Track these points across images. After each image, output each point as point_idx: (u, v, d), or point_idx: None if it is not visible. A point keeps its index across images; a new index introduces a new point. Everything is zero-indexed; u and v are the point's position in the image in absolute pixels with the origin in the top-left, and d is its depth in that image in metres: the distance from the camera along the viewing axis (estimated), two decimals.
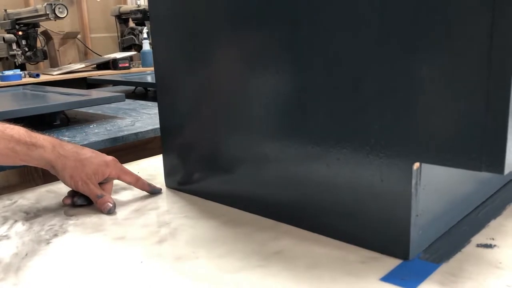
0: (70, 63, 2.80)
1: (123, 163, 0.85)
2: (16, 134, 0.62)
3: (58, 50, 2.87)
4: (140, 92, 1.84)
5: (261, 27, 0.52)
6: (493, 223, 0.53)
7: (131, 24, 3.11)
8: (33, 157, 0.63)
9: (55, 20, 2.45)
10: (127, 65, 2.70)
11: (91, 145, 0.95)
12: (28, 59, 2.60)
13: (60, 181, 0.65)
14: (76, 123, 1.20)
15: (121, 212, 0.61)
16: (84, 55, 3.13)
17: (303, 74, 0.49)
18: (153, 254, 0.49)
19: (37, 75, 2.41)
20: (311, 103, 0.49)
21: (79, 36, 3.03)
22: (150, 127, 1.09)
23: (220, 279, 0.44)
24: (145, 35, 2.79)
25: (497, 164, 0.38)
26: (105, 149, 1.00)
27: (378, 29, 0.43)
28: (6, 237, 0.55)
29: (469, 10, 0.37)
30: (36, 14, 2.44)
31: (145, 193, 0.68)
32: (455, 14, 0.38)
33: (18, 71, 2.40)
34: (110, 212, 0.61)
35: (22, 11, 2.55)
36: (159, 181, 0.72)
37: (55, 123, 1.17)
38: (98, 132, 1.06)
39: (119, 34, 3.15)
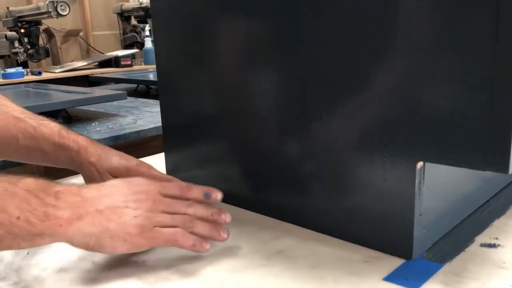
0: (72, 61, 2.80)
1: None
2: (48, 133, 0.55)
3: (60, 48, 2.87)
4: (142, 90, 1.84)
5: (263, 24, 0.52)
6: (497, 223, 0.52)
7: (133, 21, 3.11)
8: (61, 160, 0.56)
9: (57, 18, 2.45)
10: (129, 63, 2.70)
11: None
12: (30, 56, 2.60)
13: (62, 179, 0.64)
14: (78, 121, 1.20)
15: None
16: (86, 52, 3.13)
17: (305, 71, 0.49)
18: (155, 253, 0.49)
19: (39, 73, 2.41)
20: (313, 100, 0.49)
21: (81, 33, 3.03)
22: (152, 125, 1.09)
23: (222, 278, 0.44)
24: (147, 33, 2.79)
25: (501, 163, 0.38)
26: None
27: (381, 26, 0.42)
28: None
29: (472, 5, 0.37)
30: (38, 11, 2.44)
31: None
32: (459, 12, 0.38)
33: (20, 69, 2.40)
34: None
35: (24, 8, 2.55)
36: None
37: (57, 121, 1.17)
38: (100, 130, 1.06)
39: (121, 31, 3.15)
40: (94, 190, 0.45)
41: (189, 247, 0.46)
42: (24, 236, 0.39)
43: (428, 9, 0.39)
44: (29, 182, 0.41)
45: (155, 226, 0.45)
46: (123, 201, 0.45)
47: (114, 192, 0.46)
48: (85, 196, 0.44)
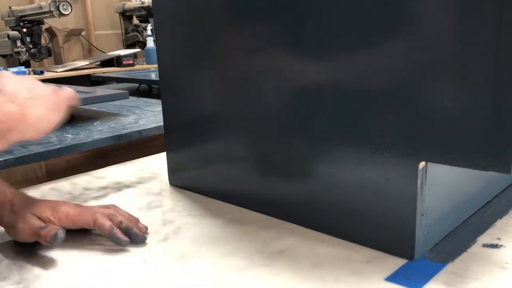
0: (74, 60, 2.80)
1: (127, 160, 0.85)
2: None
3: (62, 47, 2.87)
4: (144, 89, 1.83)
5: (265, 24, 0.52)
6: (499, 223, 0.52)
7: (135, 21, 3.11)
8: None
9: (59, 17, 2.45)
10: (131, 62, 2.70)
11: (94, 143, 0.95)
12: (32, 56, 2.60)
13: (64, 178, 0.63)
14: (80, 120, 1.20)
15: (125, 211, 0.61)
16: (88, 52, 3.14)
17: (307, 72, 0.49)
18: (157, 253, 0.49)
19: (41, 72, 2.41)
20: (315, 101, 0.49)
21: (83, 33, 3.03)
22: (154, 125, 1.09)
23: (223, 278, 0.44)
24: (149, 32, 2.79)
25: (504, 164, 0.38)
26: (108, 147, 1.00)
27: (383, 26, 0.42)
28: None
29: (475, 5, 0.37)
30: (40, 11, 2.45)
31: (149, 191, 0.68)
32: (461, 8, 0.38)
33: (22, 68, 2.41)
34: (57, 237, 0.48)
35: (26, 8, 2.56)
36: (163, 178, 0.72)
37: None
38: (101, 130, 1.06)
39: (123, 31, 3.15)
40: None
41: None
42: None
43: (432, 9, 0.39)
44: None
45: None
46: None
47: None
48: None
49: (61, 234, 0.48)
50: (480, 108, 0.38)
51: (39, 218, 0.51)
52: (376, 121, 0.45)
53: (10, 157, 0.80)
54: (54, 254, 0.50)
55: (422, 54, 0.40)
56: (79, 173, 0.77)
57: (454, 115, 0.39)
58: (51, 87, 0.49)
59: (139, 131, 1.06)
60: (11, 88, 0.44)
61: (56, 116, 0.48)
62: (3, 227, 0.52)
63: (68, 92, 0.51)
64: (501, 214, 0.55)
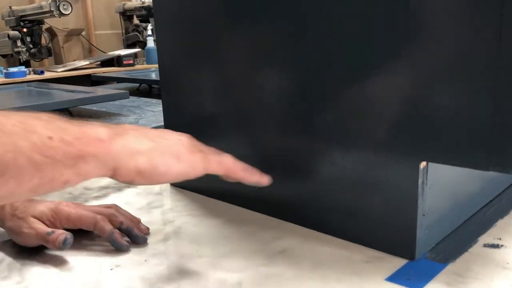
0: (74, 60, 2.80)
1: None
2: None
3: (62, 47, 2.87)
4: (145, 89, 1.84)
5: (267, 23, 0.52)
6: (500, 223, 0.52)
7: (136, 21, 3.11)
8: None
9: (59, 17, 2.45)
10: (131, 62, 2.71)
11: None
12: (32, 56, 2.61)
13: None
14: (80, 120, 1.20)
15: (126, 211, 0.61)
16: (89, 52, 3.14)
17: (309, 71, 0.49)
18: (157, 253, 0.49)
19: (42, 72, 2.41)
20: (316, 100, 0.49)
21: (83, 33, 3.03)
22: (154, 125, 1.09)
23: (224, 278, 0.44)
24: (149, 32, 2.79)
25: (505, 163, 0.38)
26: None
27: (384, 25, 0.42)
28: None
29: (476, 6, 0.37)
30: (40, 11, 2.45)
31: (149, 191, 0.68)
32: (462, 9, 0.38)
33: (22, 68, 2.41)
34: (66, 243, 0.47)
35: (26, 8, 2.56)
36: None
37: None
38: None
39: (123, 31, 3.16)
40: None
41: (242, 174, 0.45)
42: (64, 161, 0.32)
43: (434, 10, 0.39)
44: (50, 114, 0.35)
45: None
46: (160, 131, 0.41)
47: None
48: (117, 125, 0.39)
49: (70, 239, 0.48)
50: (481, 108, 0.38)
51: (40, 221, 0.50)
52: (378, 121, 0.44)
53: None
54: (55, 253, 0.50)
55: (423, 55, 0.40)
56: None
57: (455, 115, 0.39)
58: (193, 143, 0.41)
59: None
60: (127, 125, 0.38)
61: (171, 165, 0.38)
62: (6, 230, 0.52)
63: (224, 159, 0.42)
64: (502, 214, 0.54)
